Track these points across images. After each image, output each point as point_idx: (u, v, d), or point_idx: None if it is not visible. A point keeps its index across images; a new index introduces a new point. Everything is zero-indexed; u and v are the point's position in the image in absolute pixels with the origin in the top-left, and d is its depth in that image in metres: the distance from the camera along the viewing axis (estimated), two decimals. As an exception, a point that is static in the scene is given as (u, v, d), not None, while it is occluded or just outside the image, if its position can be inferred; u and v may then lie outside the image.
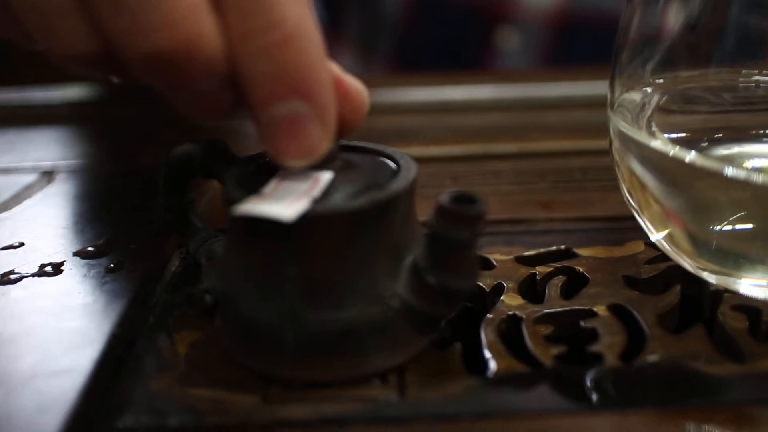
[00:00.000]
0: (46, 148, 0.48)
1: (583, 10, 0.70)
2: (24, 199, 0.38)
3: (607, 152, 0.31)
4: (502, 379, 0.25)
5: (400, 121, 0.52)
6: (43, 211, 0.37)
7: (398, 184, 0.25)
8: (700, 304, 0.28)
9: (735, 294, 0.27)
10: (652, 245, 0.31)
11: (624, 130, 0.28)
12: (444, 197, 0.23)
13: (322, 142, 0.24)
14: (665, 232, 0.28)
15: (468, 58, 0.74)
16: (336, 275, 0.24)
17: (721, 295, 0.28)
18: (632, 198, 0.29)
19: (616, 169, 0.30)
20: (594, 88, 0.49)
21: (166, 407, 0.24)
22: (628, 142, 0.28)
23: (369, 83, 0.27)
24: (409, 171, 0.26)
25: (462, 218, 0.23)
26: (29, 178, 0.41)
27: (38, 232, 0.34)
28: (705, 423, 0.22)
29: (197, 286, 0.29)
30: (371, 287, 0.24)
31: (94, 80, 0.47)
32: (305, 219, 0.23)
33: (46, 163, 0.44)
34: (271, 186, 0.25)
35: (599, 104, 0.32)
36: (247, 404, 0.24)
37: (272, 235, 0.24)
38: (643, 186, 0.27)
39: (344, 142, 0.28)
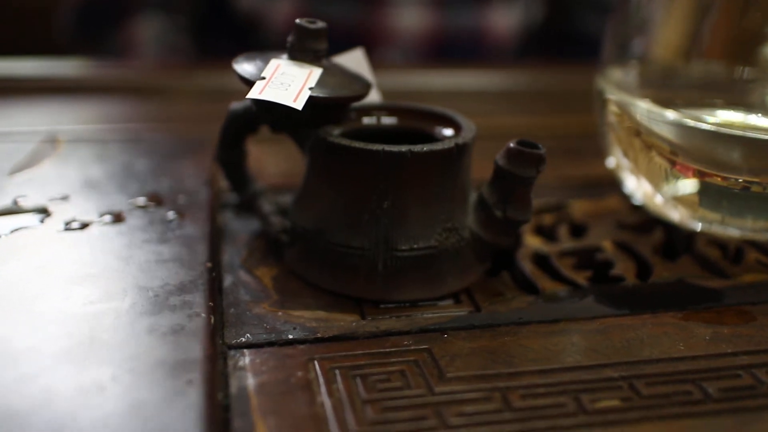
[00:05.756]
0: (39, 115, 0.47)
1: (450, 28, 0.80)
2: (39, 160, 0.38)
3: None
4: (553, 297, 0.30)
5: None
6: (66, 171, 0.37)
7: (467, 134, 0.29)
8: (675, 242, 0.35)
9: (704, 234, 0.34)
10: (628, 199, 0.37)
11: (633, 100, 0.34)
12: (512, 142, 0.28)
13: None
14: (665, 185, 0.34)
15: None
16: (424, 208, 0.28)
17: (693, 234, 0.35)
18: (628, 158, 0.35)
19: (609, 135, 0.36)
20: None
21: (278, 326, 0.27)
22: (632, 108, 0.34)
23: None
24: (471, 126, 0.30)
25: (530, 158, 0.28)
26: (32, 142, 0.41)
27: (74, 188, 0.35)
28: (717, 319, 0.29)
29: (270, 227, 0.32)
30: (448, 219, 0.29)
31: None
32: (402, 156, 0.27)
33: (43, 128, 0.44)
34: (270, 70, 0.28)
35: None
36: (350, 321, 0.27)
37: (371, 171, 0.27)
38: (648, 146, 0.33)
39: (397, 103, 0.33)
